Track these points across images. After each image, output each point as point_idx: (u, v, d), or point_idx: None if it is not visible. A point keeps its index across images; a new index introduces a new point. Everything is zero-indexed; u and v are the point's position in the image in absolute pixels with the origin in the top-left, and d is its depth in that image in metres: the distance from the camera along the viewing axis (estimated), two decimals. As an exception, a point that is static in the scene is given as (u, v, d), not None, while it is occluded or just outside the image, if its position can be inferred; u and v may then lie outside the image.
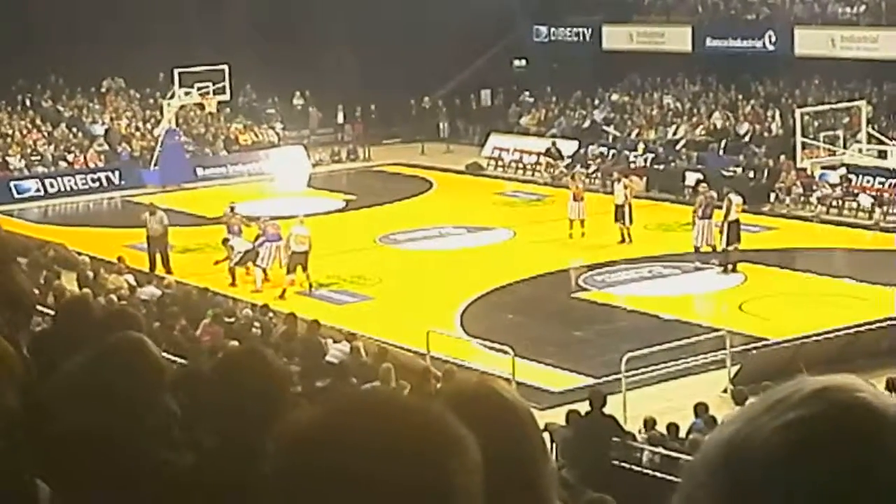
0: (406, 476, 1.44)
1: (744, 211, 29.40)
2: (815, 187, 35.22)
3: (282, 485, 1.48)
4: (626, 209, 31.13)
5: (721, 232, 28.27)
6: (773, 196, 35.51)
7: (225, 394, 3.38)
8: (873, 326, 22.11)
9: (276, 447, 1.52)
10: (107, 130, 44.58)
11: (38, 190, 40.77)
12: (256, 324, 22.06)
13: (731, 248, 28.09)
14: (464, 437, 1.53)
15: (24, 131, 43.49)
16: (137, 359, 3.46)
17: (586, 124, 45.59)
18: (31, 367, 4.16)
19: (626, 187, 31.51)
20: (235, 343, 18.56)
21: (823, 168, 35.77)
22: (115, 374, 3.36)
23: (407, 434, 1.48)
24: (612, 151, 41.79)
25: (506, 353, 20.48)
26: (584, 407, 16.68)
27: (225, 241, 28.74)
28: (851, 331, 22.03)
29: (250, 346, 12.96)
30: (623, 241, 30.92)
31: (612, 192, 32.44)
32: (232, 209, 30.05)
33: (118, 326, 4.70)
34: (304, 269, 27.43)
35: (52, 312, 7.09)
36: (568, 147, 42.82)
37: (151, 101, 46.40)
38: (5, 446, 2.90)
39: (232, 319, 22.26)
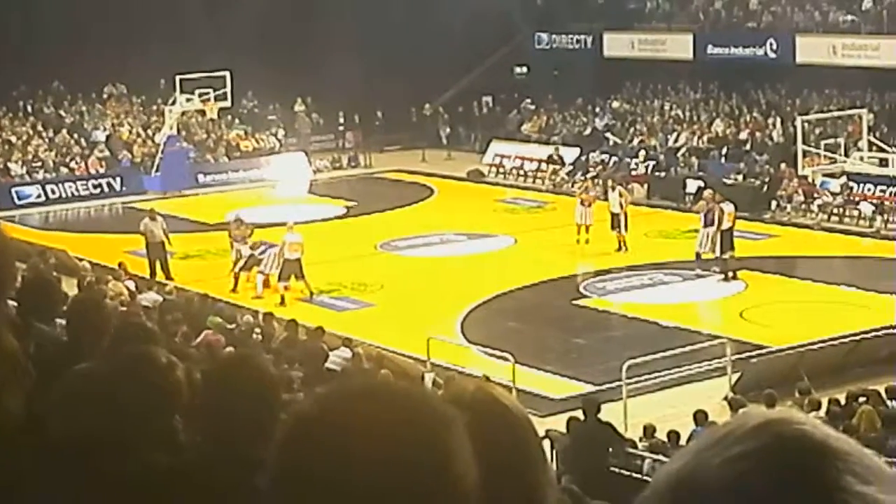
0: (405, 452, 1.54)
1: (745, 218, 29.36)
2: (816, 195, 35.22)
3: (285, 463, 1.57)
4: (622, 217, 31.12)
5: (713, 241, 28.31)
6: (774, 204, 35.52)
7: (216, 398, 3.39)
8: (873, 334, 22.11)
9: (280, 430, 1.61)
10: (108, 136, 44.61)
11: (39, 196, 40.79)
12: (257, 330, 22.04)
13: (725, 256, 28.14)
14: (454, 415, 1.62)
15: (26, 137, 43.50)
16: (153, 372, 3.49)
17: (587, 131, 45.61)
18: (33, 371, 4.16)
19: (620, 195, 31.50)
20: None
21: (825, 176, 35.73)
22: (127, 383, 3.39)
23: (404, 412, 1.58)
24: (613, 159, 41.78)
25: (506, 360, 20.47)
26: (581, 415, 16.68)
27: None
28: (852, 339, 22.04)
29: (243, 351, 12.95)
30: (619, 249, 30.91)
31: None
32: (238, 220, 30.00)
33: (132, 340, 4.73)
34: (299, 277, 27.37)
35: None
36: (569, 154, 42.83)
37: (153, 107, 46.42)
38: (6, 452, 2.89)
39: (233, 326, 22.25)
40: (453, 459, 1.57)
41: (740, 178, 37.18)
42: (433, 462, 1.56)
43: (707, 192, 30.78)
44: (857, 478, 1.35)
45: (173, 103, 43.38)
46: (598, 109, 46.83)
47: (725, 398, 19.50)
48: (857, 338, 22.04)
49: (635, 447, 16.43)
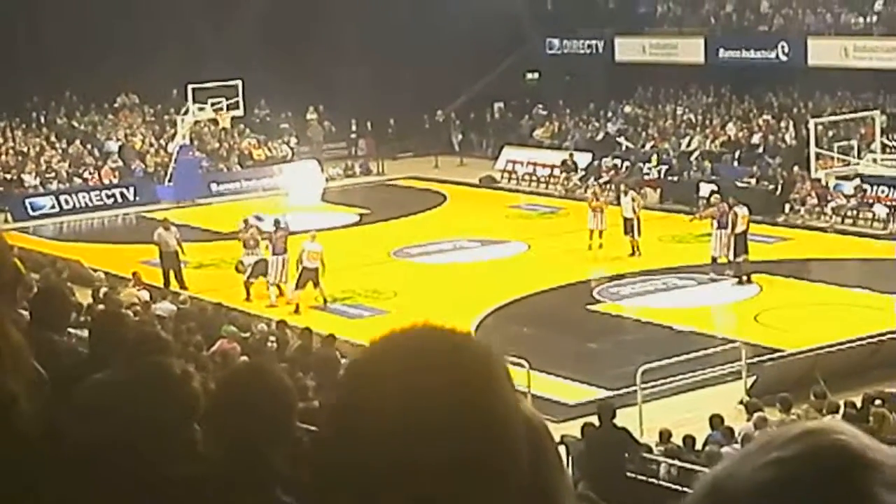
0: (456, 388, 1.58)
1: (759, 222, 29.27)
2: (829, 198, 35.14)
3: (347, 398, 1.62)
4: (635, 222, 31.09)
5: (727, 245, 28.27)
6: (787, 207, 35.45)
7: (232, 408, 3.40)
8: (889, 337, 22.03)
9: (339, 379, 1.67)
10: (121, 147, 44.72)
11: (52, 206, 40.89)
12: (272, 338, 22.04)
13: (739, 259, 28.10)
14: (504, 366, 1.67)
15: (39, 148, 43.63)
16: (170, 385, 3.49)
17: (600, 136, 45.59)
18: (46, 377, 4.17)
19: (633, 200, 31.48)
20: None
21: (838, 178, 35.72)
22: (143, 394, 3.40)
23: (452, 351, 1.62)
24: (625, 163, 41.77)
25: (521, 365, 20.43)
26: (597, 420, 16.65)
27: (239, 262, 28.77)
28: (867, 342, 21.97)
29: (257, 361, 12.97)
30: (633, 253, 30.89)
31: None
32: (246, 223, 29.94)
33: (148, 350, 4.74)
34: (316, 284, 27.41)
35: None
36: (582, 159, 42.82)
37: (165, 117, 46.54)
38: (21, 456, 2.89)
39: (247, 334, 22.26)
40: (500, 395, 1.63)
41: (753, 181, 37.12)
42: (482, 398, 1.61)
43: (714, 198, 30.79)
44: (887, 488, 1.37)
45: (186, 113, 43.49)
46: (610, 114, 46.82)
47: (741, 402, 19.48)
48: (873, 340, 21.99)
49: (651, 452, 16.40)
